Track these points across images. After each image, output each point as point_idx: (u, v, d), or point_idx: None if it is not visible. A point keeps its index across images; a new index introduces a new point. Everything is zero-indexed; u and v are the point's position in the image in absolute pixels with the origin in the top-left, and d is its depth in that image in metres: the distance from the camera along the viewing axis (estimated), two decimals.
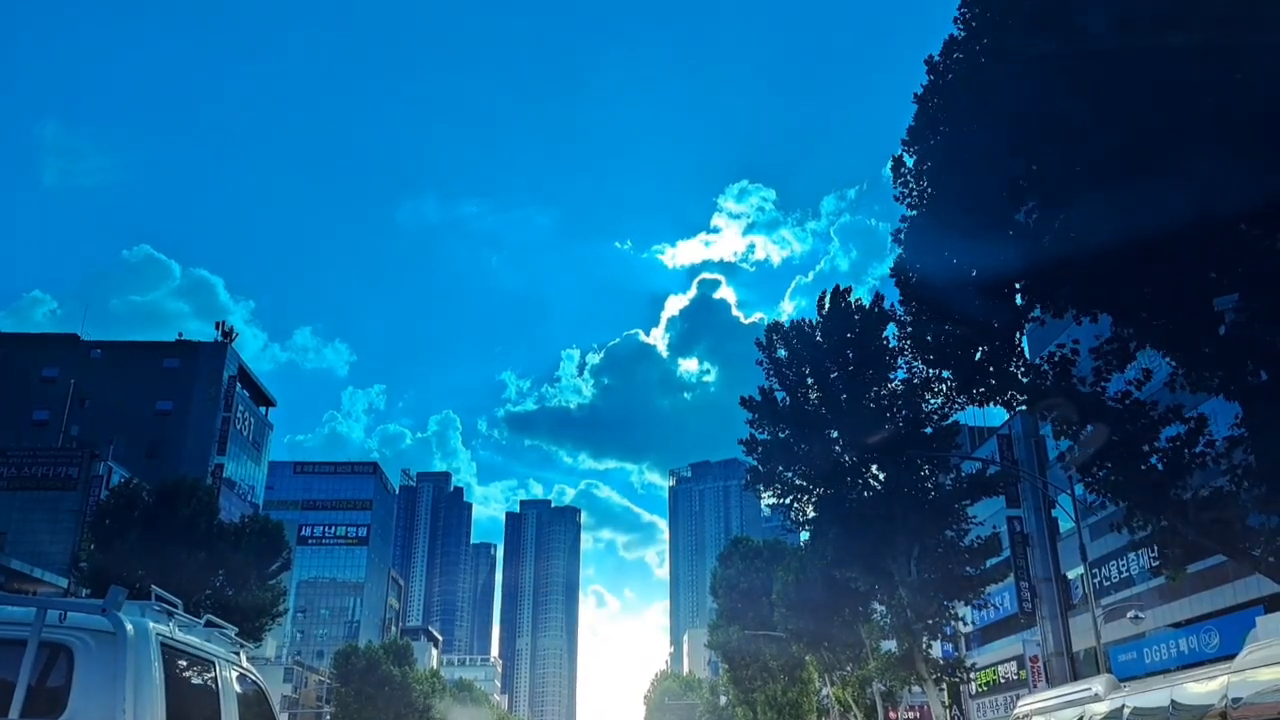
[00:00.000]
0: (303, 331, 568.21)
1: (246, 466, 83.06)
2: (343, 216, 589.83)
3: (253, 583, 44.69)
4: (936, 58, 18.22)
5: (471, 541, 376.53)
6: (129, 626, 5.70)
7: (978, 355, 20.00)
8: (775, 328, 34.12)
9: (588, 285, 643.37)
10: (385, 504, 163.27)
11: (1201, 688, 11.29)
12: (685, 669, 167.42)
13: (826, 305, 33.34)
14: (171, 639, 6.18)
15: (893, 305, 29.47)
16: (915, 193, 19.09)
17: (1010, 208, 18.29)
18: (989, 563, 35.60)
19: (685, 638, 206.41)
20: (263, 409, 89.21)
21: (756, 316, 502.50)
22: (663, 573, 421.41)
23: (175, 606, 6.51)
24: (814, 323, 33.58)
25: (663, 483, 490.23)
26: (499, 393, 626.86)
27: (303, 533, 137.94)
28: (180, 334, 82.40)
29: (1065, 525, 44.19)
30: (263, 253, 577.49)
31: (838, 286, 33.91)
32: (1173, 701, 11.74)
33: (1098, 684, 14.59)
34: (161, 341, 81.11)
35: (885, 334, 32.13)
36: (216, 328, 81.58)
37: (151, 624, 5.97)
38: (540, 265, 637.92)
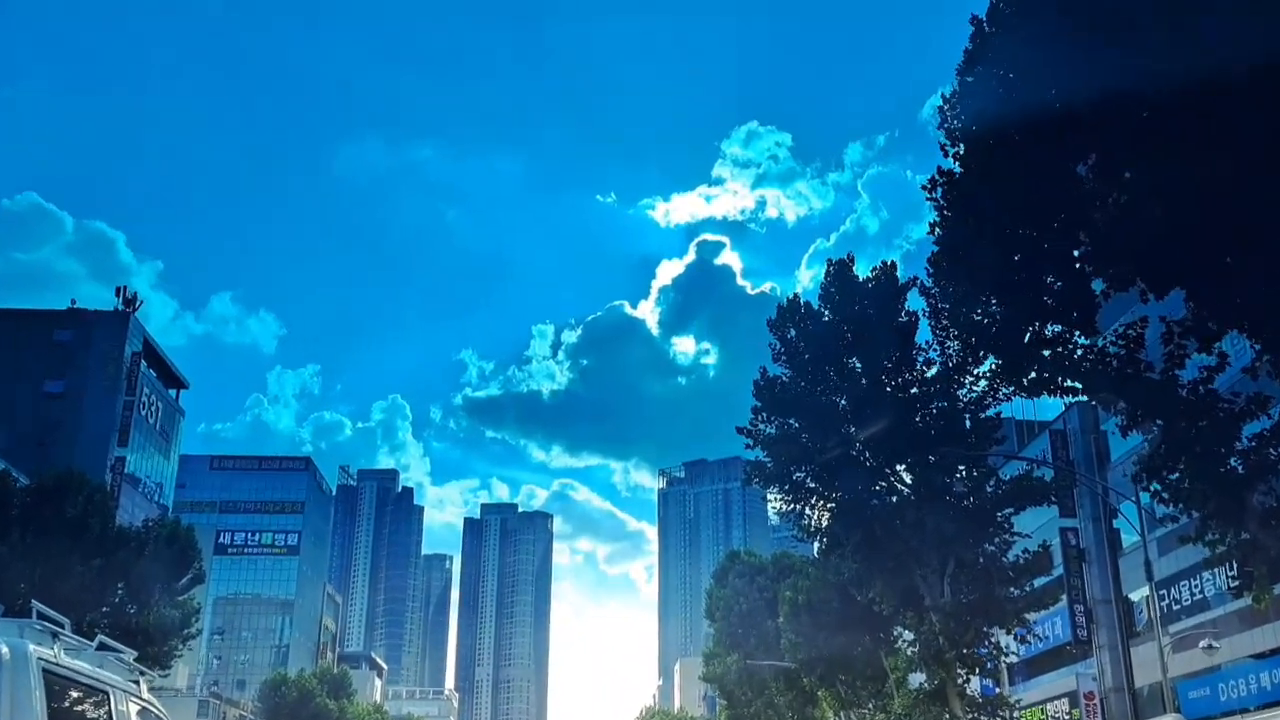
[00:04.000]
0: (221, 299, 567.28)
1: (153, 460, 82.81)
2: (269, 162, 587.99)
3: (159, 598, 44.64)
4: None
5: (423, 552, 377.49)
6: (4, 649, 5.67)
7: (1027, 336, 20.07)
8: (789, 307, 34.30)
9: (563, 247, 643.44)
10: (320, 506, 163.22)
11: None
12: (676, 704, 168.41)
13: (834, 277, 33.69)
14: (56, 664, 6.15)
15: (915, 277, 29.70)
16: (958, 133, 19.08)
17: (1068, 160, 18.31)
18: (1037, 582, 35.78)
19: (676, 668, 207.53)
20: (173, 392, 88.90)
21: (766, 286, 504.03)
22: (651, 591, 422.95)
23: (61, 626, 6.48)
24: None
25: (652, 484, 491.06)
26: (457, 375, 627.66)
27: (220, 540, 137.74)
28: (73, 301, 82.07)
29: (1129, 539, 44.48)
30: (173, 204, 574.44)
31: (849, 256, 34.26)
32: None
33: None
34: (50, 310, 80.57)
35: (907, 307, 32.32)
36: (117, 294, 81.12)
37: (32, 646, 5.94)
38: (506, 222, 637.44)
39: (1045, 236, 18.88)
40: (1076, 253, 19.00)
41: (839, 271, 33.86)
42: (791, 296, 34.78)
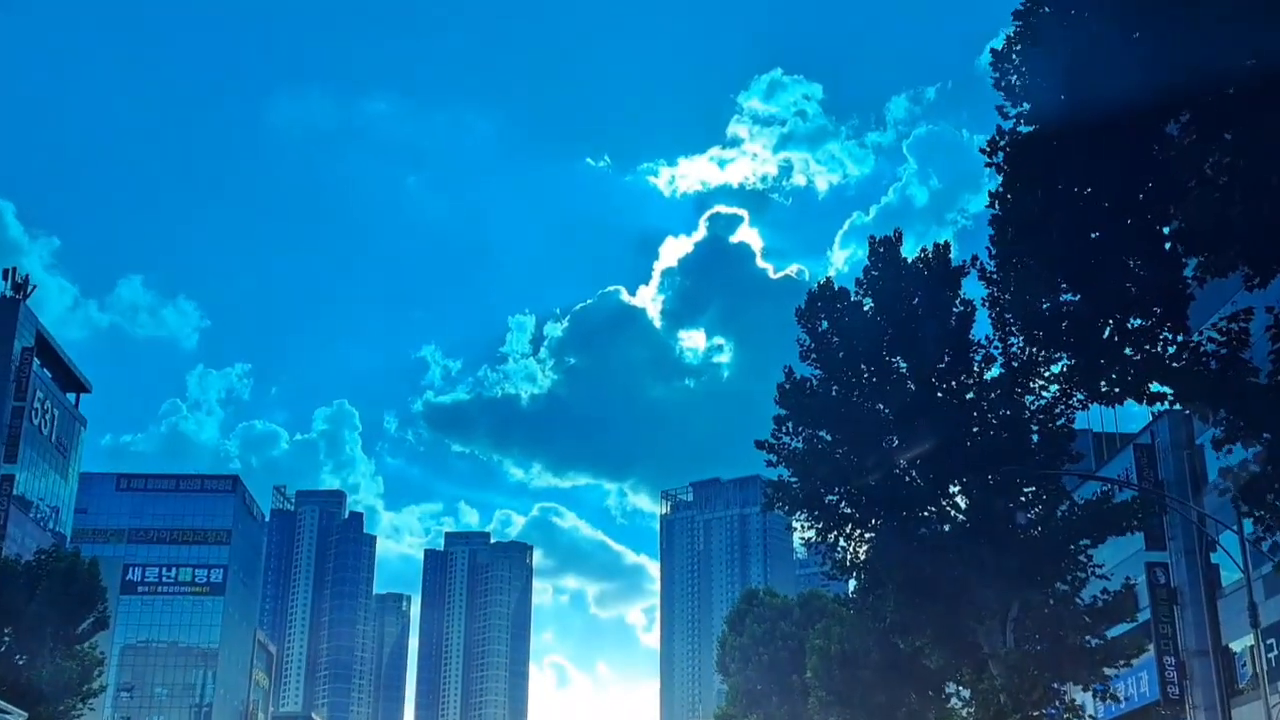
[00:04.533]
0: (130, 283, 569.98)
1: (48, 479, 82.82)
2: (188, 121, 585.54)
3: (53, 647, 44.66)
4: None
5: (375, 591, 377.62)
6: None
7: (1107, 331, 20.07)
8: (821, 294, 34.36)
9: (546, 221, 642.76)
10: (250, 535, 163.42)
11: None
12: None
13: (878, 259, 33.82)
14: None
15: (975, 257, 29.82)
16: (1018, 89, 19.07)
17: (1157, 118, 18.29)
18: (1118, 629, 35.78)
19: None
20: (72, 396, 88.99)
21: (792, 269, 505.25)
22: (652, 639, 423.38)
23: None
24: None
25: (653, 509, 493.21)
26: (417, 377, 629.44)
27: (129, 576, 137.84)
28: None
29: (1230, 576, 44.48)
30: (73, 169, 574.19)
31: (895, 233, 34.32)
32: None
33: None
34: None
35: (963, 296, 32.48)
36: (4, 277, 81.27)
37: None
38: (478, 191, 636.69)
39: (1129, 211, 18.87)
40: (1166, 230, 18.99)
41: (882, 252, 33.96)
42: (823, 281, 35.04)
